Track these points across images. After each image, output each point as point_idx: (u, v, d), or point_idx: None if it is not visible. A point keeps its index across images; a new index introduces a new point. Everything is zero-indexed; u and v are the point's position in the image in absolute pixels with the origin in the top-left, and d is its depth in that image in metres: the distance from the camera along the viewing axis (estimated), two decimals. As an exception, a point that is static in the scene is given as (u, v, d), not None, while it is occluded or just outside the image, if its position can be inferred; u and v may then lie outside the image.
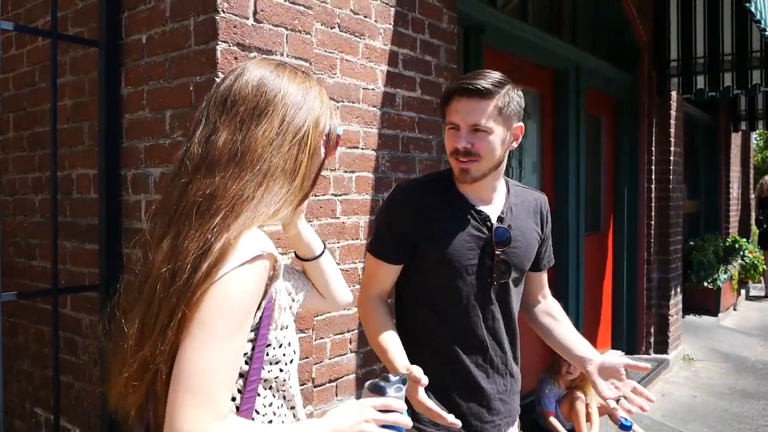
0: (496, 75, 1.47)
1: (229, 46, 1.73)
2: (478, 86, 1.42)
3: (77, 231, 2.23)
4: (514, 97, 1.47)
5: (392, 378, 1.00)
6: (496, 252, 1.50)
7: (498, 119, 1.44)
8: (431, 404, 1.34)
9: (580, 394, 3.44)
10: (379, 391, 0.98)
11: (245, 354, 0.91)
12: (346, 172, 2.26)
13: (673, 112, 5.07)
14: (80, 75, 2.18)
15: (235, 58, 1.74)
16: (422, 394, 1.34)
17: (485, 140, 1.44)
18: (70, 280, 2.26)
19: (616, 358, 1.58)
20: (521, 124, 1.52)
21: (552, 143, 4.14)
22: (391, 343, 1.47)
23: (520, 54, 3.69)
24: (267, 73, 1.00)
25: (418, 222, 1.50)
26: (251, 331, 0.90)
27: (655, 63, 4.92)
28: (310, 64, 1.98)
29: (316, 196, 2.13)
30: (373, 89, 2.35)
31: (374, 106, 2.36)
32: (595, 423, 3.43)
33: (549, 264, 1.72)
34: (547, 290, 1.75)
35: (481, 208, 1.54)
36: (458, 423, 1.36)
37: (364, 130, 2.32)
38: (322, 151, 1.04)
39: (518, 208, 1.59)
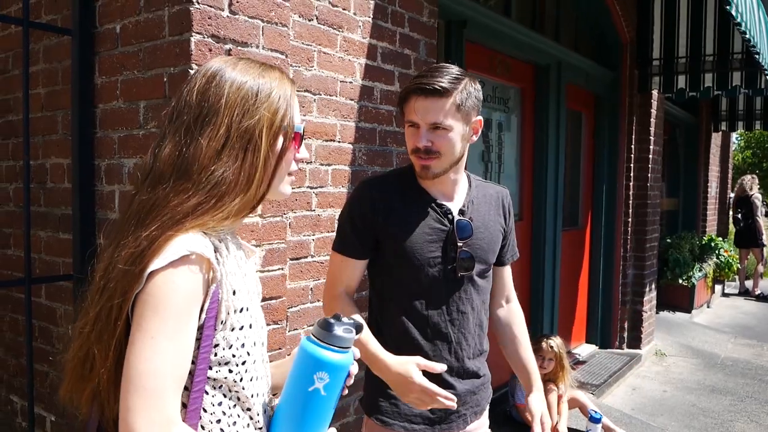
0: (453, 70, 1.48)
1: (204, 37, 1.73)
2: (436, 86, 1.43)
3: (52, 220, 2.22)
4: (471, 92, 1.48)
5: (344, 319, 1.01)
6: (459, 245, 1.52)
7: (457, 115, 1.45)
8: (431, 386, 1.40)
9: (552, 386, 3.51)
10: (327, 328, 0.98)
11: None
12: (322, 164, 2.27)
13: (653, 111, 5.13)
14: (54, 63, 2.16)
15: (210, 50, 1.74)
16: (421, 378, 1.40)
17: (445, 138, 1.46)
18: (45, 269, 2.25)
19: (541, 406, 1.67)
20: (480, 117, 1.54)
21: (532, 138, 4.18)
22: (369, 338, 1.48)
23: (502, 49, 3.71)
24: (215, 74, 0.96)
25: (378, 216, 1.51)
26: (197, 331, 0.90)
27: (637, 61, 4.96)
28: (287, 56, 1.98)
29: (291, 188, 2.14)
30: (350, 82, 2.36)
31: (352, 99, 2.37)
32: (564, 414, 3.50)
33: (513, 258, 1.74)
34: (511, 293, 1.77)
35: (443, 202, 1.56)
36: (454, 405, 1.43)
37: (341, 123, 2.33)
38: (278, 148, 0.99)
39: (480, 201, 1.61)
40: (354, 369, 1.02)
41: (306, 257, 2.22)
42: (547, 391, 3.48)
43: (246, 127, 0.95)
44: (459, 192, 1.59)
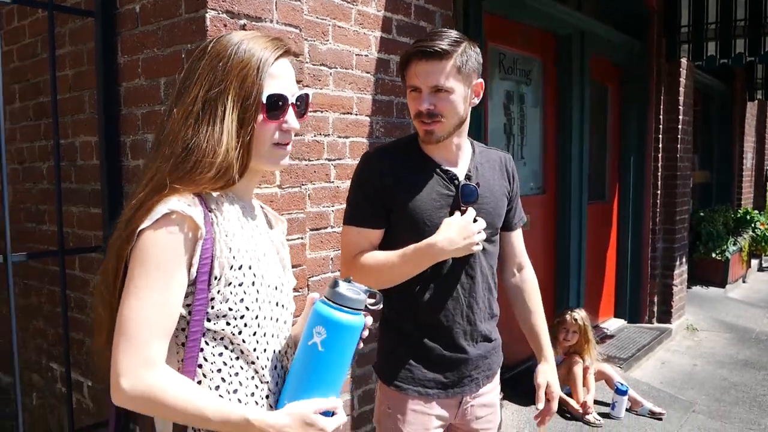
0: (452, 34, 1.49)
1: (218, 13, 1.78)
2: (436, 48, 1.44)
3: (82, 196, 2.33)
4: (471, 54, 1.49)
5: (356, 283, 1.02)
6: (462, 209, 1.53)
7: (458, 77, 1.47)
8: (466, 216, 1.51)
9: (578, 358, 3.51)
10: (332, 286, 1.01)
11: (188, 306, 0.98)
12: (340, 137, 2.31)
13: (682, 80, 5.01)
14: (79, 45, 2.24)
15: (225, 26, 1.79)
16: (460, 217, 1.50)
17: (447, 100, 1.47)
18: (77, 242, 2.37)
19: (547, 378, 1.70)
20: (481, 80, 1.55)
21: (555, 110, 4.13)
22: (398, 250, 1.51)
23: (522, 19, 3.67)
24: (203, 49, 1.03)
25: (385, 187, 1.53)
26: (190, 285, 0.98)
27: (665, 29, 4.83)
28: (301, 30, 2.02)
29: (309, 160, 2.19)
30: (366, 55, 2.39)
31: (368, 72, 2.40)
32: (591, 387, 3.50)
33: (521, 222, 1.75)
34: (523, 260, 1.77)
35: (448, 167, 1.57)
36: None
37: (357, 96, 2.36)
38: (248, 116, 1.00)
39: (484, 167, 1.62)
40: (363, 334, 1.05)
41: (326, 228, 2.27)
42: (572, 363, 3.49)
43: (213, 95, 0.99)
44: (463, 157, 1.60)
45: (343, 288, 1.00)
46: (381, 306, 1.07)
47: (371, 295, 1.04)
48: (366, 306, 1.03)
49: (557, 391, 1.69)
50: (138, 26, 1.97)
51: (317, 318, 1.00)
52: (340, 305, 1.00)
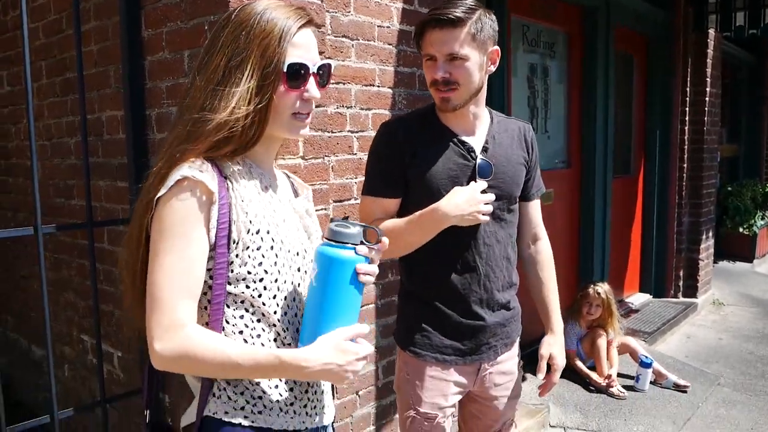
0: (467, 1, 1.48)
1: (241, -18, 1.77)
2: (450, 15, 1.43)
3: (109, 170, 2.36)
4: (486, 22, 1.48)
5: (351, 221, 1.05)
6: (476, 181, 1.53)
7: (473, 45, 1.46)
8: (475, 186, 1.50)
9: (602, 332, 3.50)
10: (328, 221, 1.06)
11: (209, 270, 1.01)
12: (362, 109, 2.30)
13: (710, 51, 4.88)
14: (104, 20, 2.26)
15: (247, -5, 1.78)
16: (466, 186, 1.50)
17: (462, 68, 1.47)
18: (105, 215, 2.41)
19: (552, 349, 1.70)
20: (497, 47, 1.53)
21: (579, 83, 4.06)
22: (404, 218, 1.52)
23: (545, -9, 3.60)
24: (226, 17, 1.03)
25: (403, 156, 1.53)
26: (210, 250, 1.00)
27: (692, -2, 4.71)
28: (322, 1, 2.00)
29: (332, 132, 2.19)
30: (388, 27, 2.36)
31: (390, 44, 2.37)
32: (614, 360, 3.49)
33: (539, 192, 1.74)
34: (539, 231, 1.75)
35: (465, 138, 1.56)
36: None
37: (379, 67, 2.34)
38: (267, 84, 1.00)
39: (502, 137, 1.61)
40: (364, 267, 1.03)
41: (349, 199, 2.27)
42: (596, 336, 3.48)
43: (235, 63, 1.00)
44: (480, 127, 1.60)
45: (333, 225, 1.04)
46: (382, 240, 1.07)
47: (370, 231, 1.05)
48: (362, 241, 1.04)
49: (560, 363, 1.70)
50: (161, -1, 1.97)
51: (314, 257, 1.05)
52: (327, 240, 1.04)
